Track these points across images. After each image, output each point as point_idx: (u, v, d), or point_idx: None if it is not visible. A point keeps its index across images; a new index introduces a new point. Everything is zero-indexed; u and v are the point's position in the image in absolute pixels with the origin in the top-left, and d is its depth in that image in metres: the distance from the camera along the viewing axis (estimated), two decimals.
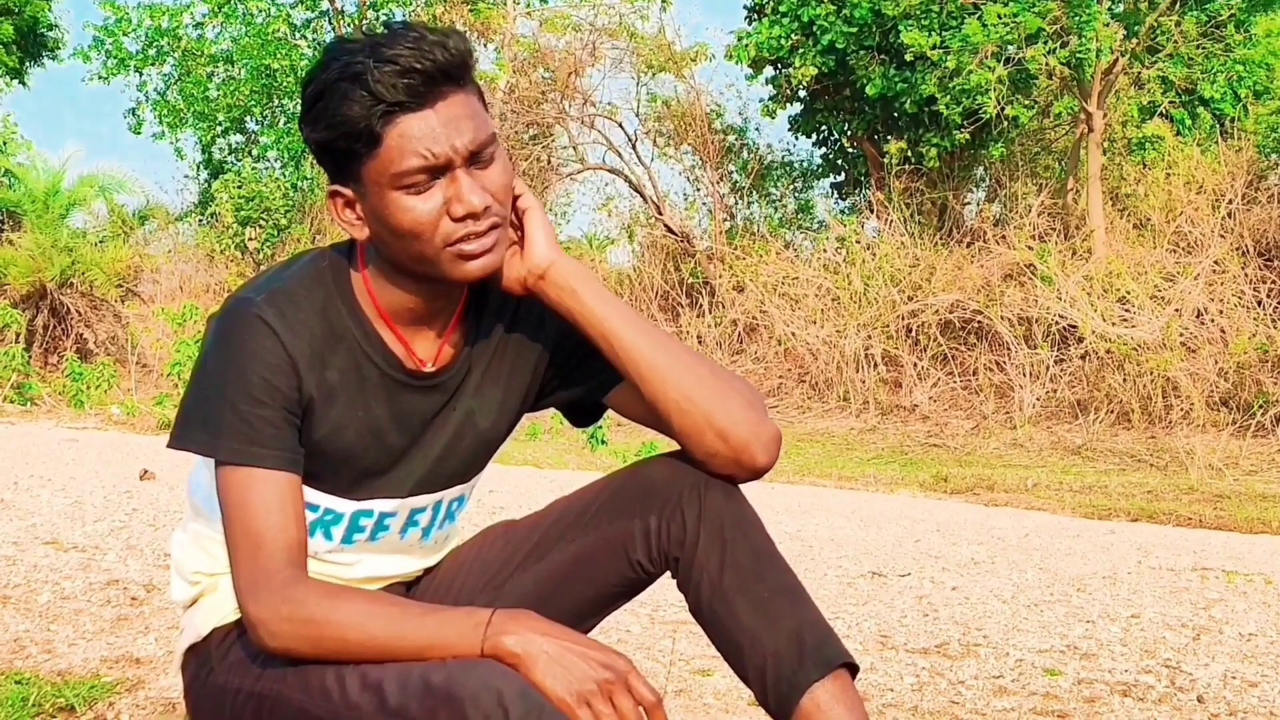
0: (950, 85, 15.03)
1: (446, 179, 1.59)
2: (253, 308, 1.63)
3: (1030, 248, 14.98)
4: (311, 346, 1.65)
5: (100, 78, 21.61)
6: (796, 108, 18.83)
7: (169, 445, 1.66)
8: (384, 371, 1.72)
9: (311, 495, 1.71)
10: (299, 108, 1.65)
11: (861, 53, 16.72)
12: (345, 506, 1.76)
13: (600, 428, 10.66)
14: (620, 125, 19.40)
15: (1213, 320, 13.56)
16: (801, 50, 17.05)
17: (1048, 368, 14.01)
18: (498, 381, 1.81)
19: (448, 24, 18.59)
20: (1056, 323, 14.14)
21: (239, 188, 18.63)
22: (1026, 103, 15.19)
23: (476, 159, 1.60)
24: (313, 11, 21.81)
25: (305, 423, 1.67)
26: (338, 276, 1.71)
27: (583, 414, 1.94)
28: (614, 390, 1.84)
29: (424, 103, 1.56)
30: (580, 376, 1.86)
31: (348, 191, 1.63)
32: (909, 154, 16.98)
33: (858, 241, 16.55)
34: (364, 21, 21.68)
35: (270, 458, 1.61)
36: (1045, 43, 14.31)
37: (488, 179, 1.61)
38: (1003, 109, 14.96)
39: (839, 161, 19.92)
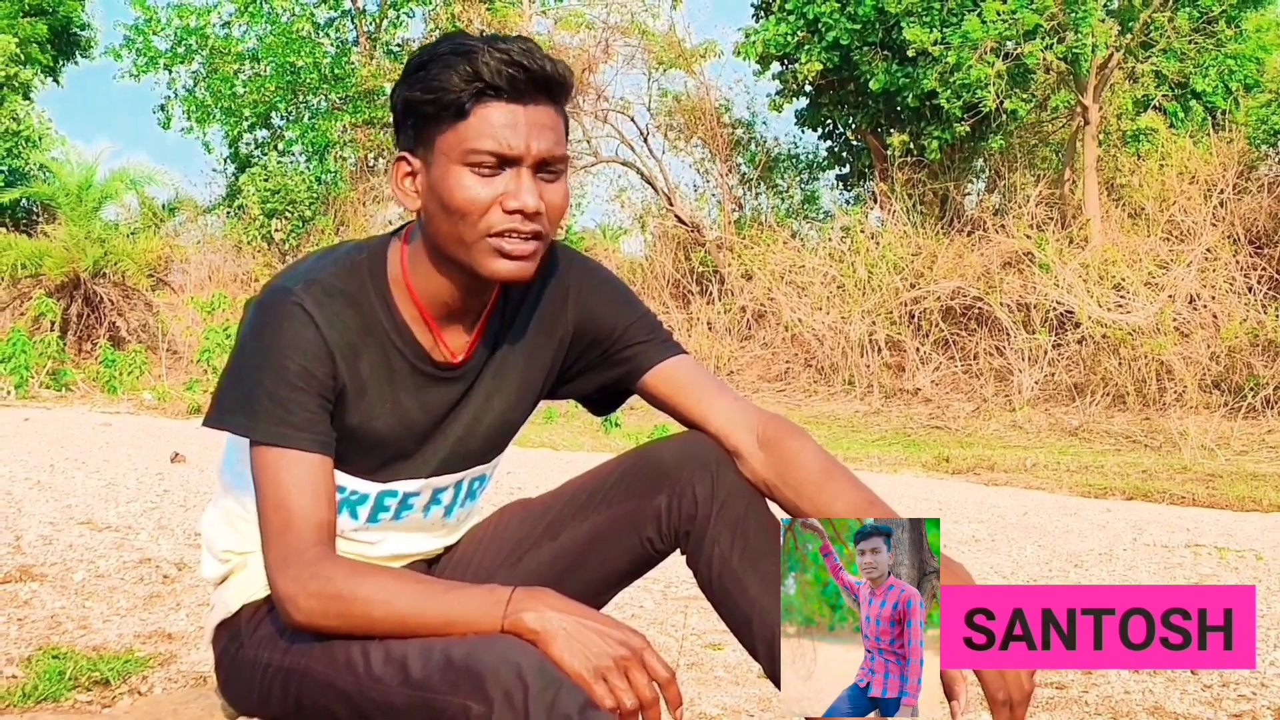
0: (951, 80, 15.10)
1: (511, 173, 1.61)
2: (291, 297, 1.65)
3: (1028, 236, 15.10)
4: (345, 338, 1.67)
5: (131, 75, 21.62)
6: (802, 102, 18.75)
7: (206, 424, 1.68)
8: (412, 364, 1.73)
9: (338, 477, 1.72)
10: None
11: (865, 49, 16.67)
12: (370, 488, 1.78)
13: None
14: (633, 120, 19.40)
15: (1205, 306, 13.71)
16: (807, 47, 16.99)
17: (1045, 352, 14.14)
18: (518, 368, 1.83)
19: (465, 21, 19.01)
20: (1054, 309, 14.24)
21: (265, 181, 18.77)
22: (1024, 96, 15.19)
23: (545, 168, 1.63)
24: (335, 11, 21.94)
25: (337, 409, 1.69)
26: (374, 270, 1.72)
27: (602, 403, 1.95)
28: (642, 378, 1.86)
29: (518, 98, 1.60)
30: (608, 365, 1.88)
31: (415, 161, 1.65)
32: (911, 146, 16.95)
33: (862, 231, 16.62)
34: (385, 19, 21.94)
35: (304, 440, 1.63)
36: (1042, 38, 14.37)
37: (548, 191, 1.63)
38: (1001, 103, 15.02)
39: (843, 154, 19.82)
